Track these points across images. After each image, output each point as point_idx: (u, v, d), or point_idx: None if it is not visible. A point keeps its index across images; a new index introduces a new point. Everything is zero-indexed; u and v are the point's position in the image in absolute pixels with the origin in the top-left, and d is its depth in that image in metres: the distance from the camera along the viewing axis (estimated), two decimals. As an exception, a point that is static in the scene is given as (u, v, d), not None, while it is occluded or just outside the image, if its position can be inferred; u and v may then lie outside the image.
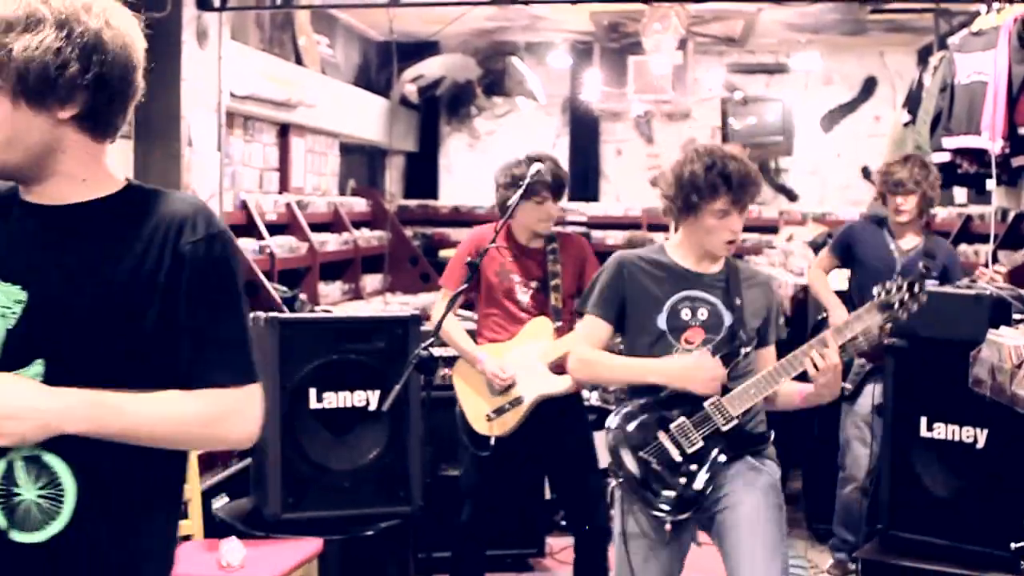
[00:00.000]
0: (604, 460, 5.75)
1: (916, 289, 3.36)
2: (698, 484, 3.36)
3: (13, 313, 1.78)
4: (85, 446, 1.76)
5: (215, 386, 1.85)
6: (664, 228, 11.00)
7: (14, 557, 1.78)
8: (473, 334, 4.71)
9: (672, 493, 3.37)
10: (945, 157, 6.23)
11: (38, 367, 1.78)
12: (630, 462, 3.44)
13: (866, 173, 11.08)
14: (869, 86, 11.33)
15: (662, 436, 3.41)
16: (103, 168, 1.89)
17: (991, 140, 5.69)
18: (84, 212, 1.85)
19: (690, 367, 3.38)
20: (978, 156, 6.01)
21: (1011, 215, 7.24)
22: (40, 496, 1.78)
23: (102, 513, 1.83)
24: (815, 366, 3.29)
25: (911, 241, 5.25)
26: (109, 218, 1.85)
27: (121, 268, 1.81)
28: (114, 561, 1.85)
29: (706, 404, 3.36)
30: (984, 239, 7.04)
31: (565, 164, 11.58)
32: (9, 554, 1.78)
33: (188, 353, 1.84)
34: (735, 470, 3.39)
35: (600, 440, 5.78)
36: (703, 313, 3.44)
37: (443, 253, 10.47)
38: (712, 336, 3.42)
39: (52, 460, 1.78)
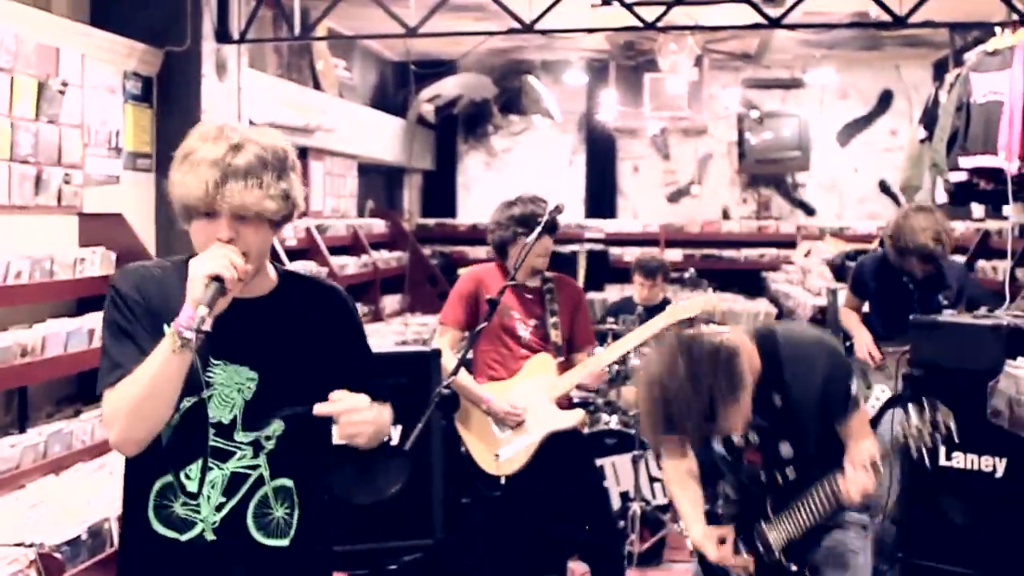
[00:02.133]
0: (625, 484, 5.82)
1: (938, 418, 3.02)
2: None
3: (249, 388, 2.30)
4: (305, 472, 2.37)
5: (382, 402, 2.45)
6: (682, 243, 11.04)
7: (266, 558, 2.34)
8: (467, 367, 4.64)
9: None
10: (962, 176, 6.22)
11: (278, 424, 2.32)
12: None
13: (883, 187, 11.08)
14: (885, 99, 11.34)
15: None
16: None
17: (1007, 160, 5.69)
18: (276, 301, 2.36)
19: (707, 547, 3.22)
20: (995, 175, 6.00)
21: (1029, 231, 7.24)
22: (283, 513, 2.36)
23: (313, 518, 2.41)
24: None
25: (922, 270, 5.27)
26: (292, 303, 2.38)
27: (319, 339, 2.37)
28: (320, 549, 2.46)
29: (756, 528, 3.22)
30: (1002, 255, 7.02)
31: (582, 181, 11.84)
32: (262, 556, 2.34)
33: (364, 380, 2.40)
34: None
35: (622, 464, 5.80)
36: (754, 437, 3.17)
37: (461, 271, 10.44)
38: (768, 461, 3.20)
39: (291, 484, 2.35)
